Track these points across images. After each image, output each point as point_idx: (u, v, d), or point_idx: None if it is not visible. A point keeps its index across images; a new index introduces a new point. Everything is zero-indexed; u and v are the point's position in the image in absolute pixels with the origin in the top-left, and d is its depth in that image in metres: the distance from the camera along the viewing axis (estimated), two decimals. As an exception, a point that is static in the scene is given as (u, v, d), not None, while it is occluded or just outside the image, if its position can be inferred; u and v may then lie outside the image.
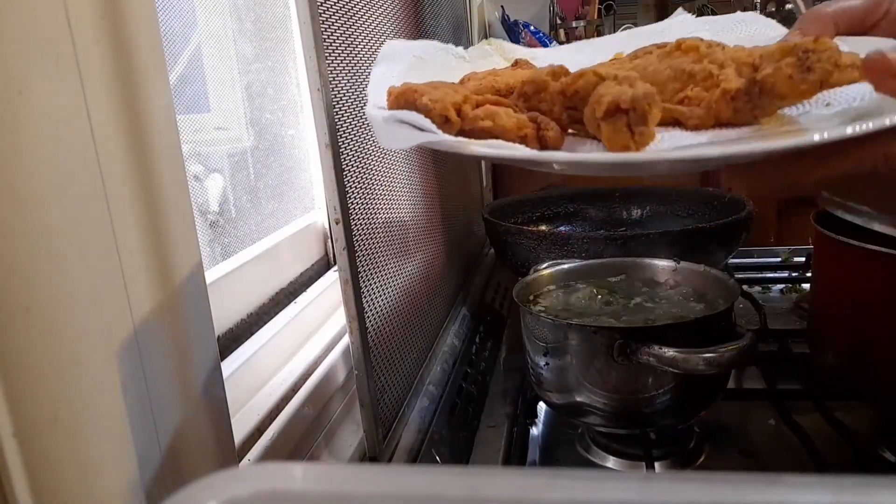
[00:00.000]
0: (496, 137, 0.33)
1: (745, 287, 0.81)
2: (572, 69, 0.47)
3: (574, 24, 1.48)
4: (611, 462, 0.54)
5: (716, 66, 0.34)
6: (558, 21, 1.48)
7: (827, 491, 0.19)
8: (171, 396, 0.34)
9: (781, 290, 0.85)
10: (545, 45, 1.31)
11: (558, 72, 0.44)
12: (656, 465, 0.51)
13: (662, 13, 1.72)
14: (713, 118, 0.33)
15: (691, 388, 0.50)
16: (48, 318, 0.27)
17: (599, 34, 1.53)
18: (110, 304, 0.30)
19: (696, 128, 0.33)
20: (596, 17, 1.54)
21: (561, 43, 1.40)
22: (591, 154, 0.32)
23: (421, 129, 0.32)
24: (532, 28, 1.33)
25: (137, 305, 0.32)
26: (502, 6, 1.33)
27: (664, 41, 0.43)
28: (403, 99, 0.34)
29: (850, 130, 0.27)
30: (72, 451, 0.28)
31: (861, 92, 0.32)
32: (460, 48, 0.51)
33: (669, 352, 0.45)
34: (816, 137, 0.27)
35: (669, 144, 0.32)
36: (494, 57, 0.52)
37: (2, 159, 0.25)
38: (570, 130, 0.35)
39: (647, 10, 1.72)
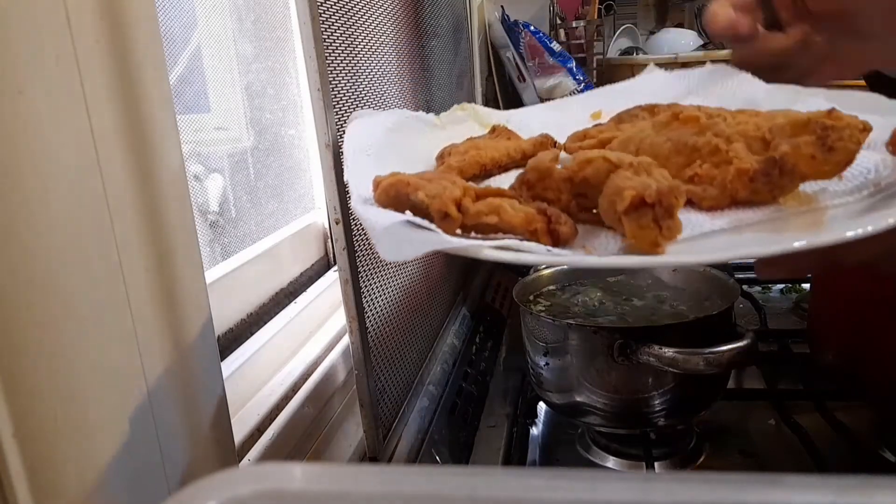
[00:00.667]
0: (502, 232, 0.31)
1: (745, 287, 0.81)
2: (552, 132, 0.47)
3: (574, 25, 1.48)
4: (611, 462, 0.54)
5: (722, 139, 0.33)
6: (558, 21, 1.48)
7: (827, 491, 0.19)
8: (171, 396, 0.34)
9: (781, 290, 0.85)
10: (545, 45, 1.31)
11: (546, 142, 0.43)
12: (656, 465, 0.51)
13: (662, 13, 1.72)
14: (729, 198, 0.31)
15: (691, 388, 0.50)
16: (48, 319, 0.27)
17: (600, 34, 1.53)
18: (110, 305, 0.30)
19: (711, 209, 0.32)
20: (596, 17, 1.54)
21: (561, 43, 1.40)
22: (622, 258, 0.29)
23: (423, 228, 0.30)
24: (532, 28, 1.33)
25: (137, 305, 0.31)
26: (502, 6, 1.33)
27: (642, 100, 0.43)
28: (394, 191, 0.32)
29: (892, 221, 0.26)
30: (71, 452, 0.28)
31: (874, 162, 0.31)
32: (431, 115, 0.50)
33: (669, 352, 0.45)
34: (851, 234, 0.26)
35: (690, 232, 0.30)
36: (468, 122, 0.52)
37: (1, 159, 0.25)
38: (580, 217, 0.33)
39: (648, 10, 1.72)
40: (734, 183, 0.31)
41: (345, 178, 0.36)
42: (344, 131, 0.45)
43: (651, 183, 0.28)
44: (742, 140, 0.32)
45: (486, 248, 0.29)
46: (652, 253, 0.28)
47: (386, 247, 0.30)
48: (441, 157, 0.42)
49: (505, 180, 0.42)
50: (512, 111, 0.56)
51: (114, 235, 0.30)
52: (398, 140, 0.43)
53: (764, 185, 0.31)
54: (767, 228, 0.30)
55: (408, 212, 0.32)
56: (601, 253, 0.30)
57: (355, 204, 0.34)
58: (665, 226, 0.28)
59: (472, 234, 0.32)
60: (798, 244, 0.26)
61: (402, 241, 0.30)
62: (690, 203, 0.32)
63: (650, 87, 0.49)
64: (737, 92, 0.47)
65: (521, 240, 0.30)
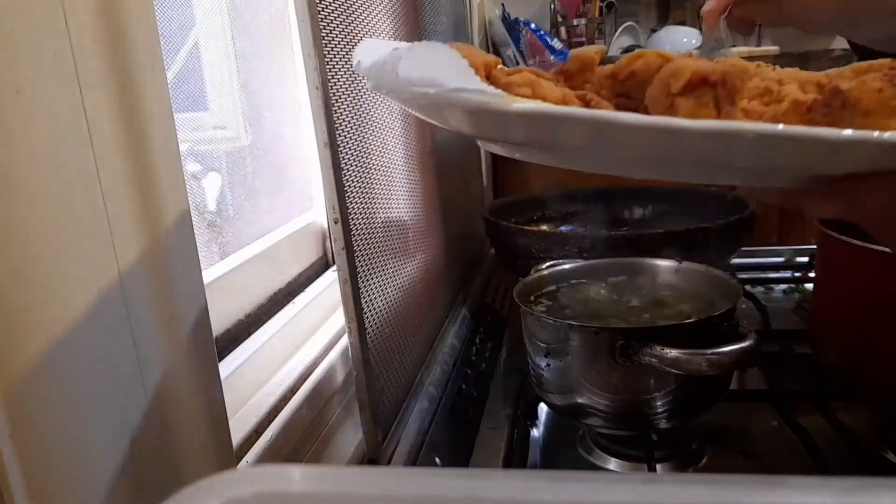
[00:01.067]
0: None
1: (747, 287, 0.81)
2: None
3: (575, 22, 1.48)
4: (612, 464, 0.53)
5: (773, 81, 0.29)
6: (559, 19, 1.48)
7: (829, 492, 0.19)
8: (170, 398, 0.34)
9: (784, 291, 0.85)
10: (546, 44, 1.31)
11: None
12: (658, 466, 0.51)
13: (664, 11, 1.72)
14: None
15: (693, 389, 0.50)
16: (45, 319, 0.27)
17: (601, 32, 1.53)
18: (108, 304, 0.30)
19: None
20: (597, 14, 1.54)
21: (562, 41, 1.40)
22: (678, 120, 0.24)
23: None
24: (532, 26, 1.33)
25: (135, 306, 0.31)
26: (503, 4, 1.33)
27: None
28: None
29: None
30: (69, 453, 0.27)
31: None
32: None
33: (672, 353, 0.45)
34: None
35: None
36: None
37: (-3, 158, 0.25)
38: None
39: (649, 8, 1.72)
40: (788, 115, 0.28)
41: (362, 69, 0.33)
42: (343, 130, 0.45)
43: (714, 64, 0.25)
44: (795, 83, 0.29)
45: (518, 103, 0.24)
46: None
47: (409, 63, 0.26)
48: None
49: None
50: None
51: (111, 235, 0.30)
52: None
53: (822, 118, 0.27)
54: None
55: None
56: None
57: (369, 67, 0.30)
58: (724, 111, 0.25)
59: None
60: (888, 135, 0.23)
61: (432, 63, 0.26)
62: None
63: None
64: None
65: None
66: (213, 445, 0.38)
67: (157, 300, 0.33)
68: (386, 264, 0.53)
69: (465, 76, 0.25)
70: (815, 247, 0.61)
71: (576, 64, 0.30)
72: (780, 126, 0.24)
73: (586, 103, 0.27)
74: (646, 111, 0.28)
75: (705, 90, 0.25)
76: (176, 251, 0.35)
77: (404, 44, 0.43)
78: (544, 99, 0.26)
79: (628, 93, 0.29)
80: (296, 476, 0.23)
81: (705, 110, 0.25)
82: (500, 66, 0.29)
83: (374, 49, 0.36)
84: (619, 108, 0.29)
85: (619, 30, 1.56)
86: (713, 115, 0.25)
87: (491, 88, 0.25)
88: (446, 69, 0.25)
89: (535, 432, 0.59)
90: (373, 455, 0.47)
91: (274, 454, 0.47)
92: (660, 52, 0.28)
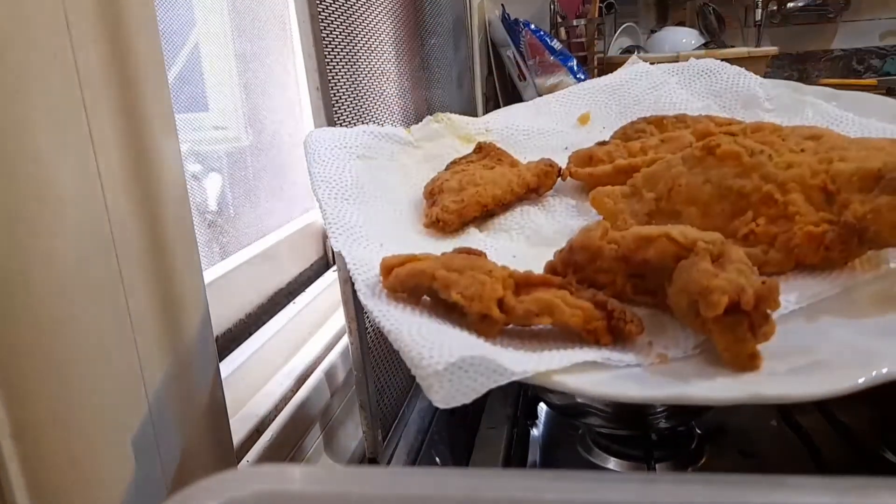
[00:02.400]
0: (556, 334, 0.27)
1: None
2: (534, 137, 0.43)
3: (575, 23, 1.48)
4: (612, 463, 0.53)
5: (774, 186, 0.29)
6: (559, 19, 1.48)
7: (828, 492, 0.19)
8: (170, 397, 0.34)
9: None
10: (546, 44, 1.31)
11: (550, 170, 0.38)
12: (657, 466, 0.51)
13: (663, 12, 1.72)
14: (793, 262, 0.28)
15: (692, 388, 0.50)
16: (46, 319, 0.26)
17: (601, 33, 1.52)
18: (108, 305, 0.30)
19: (773, 274, 0.28)
20: (597, 15, 1.54)
21: (562, 42, 1.40)
22: (728, 392, 0.24)
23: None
24: (532, 27, 1.32)
25: (136, 305, 0.31)
26: (503, 5, 1.33)
27: (630, 99, 0.40)
28: (413, 283, 0.28)
29: None
30: (69, 452, 0.27)
31: None
32: (401, 129, 0.47)
33: (671, 352, 0.45)
34: None
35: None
36: (446, 138, 0.48)
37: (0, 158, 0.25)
38: (636, 301, 0.29)
39: (648, 8, 1.72)
40: (802, 248, 0.28)
41: (333, 246, 0.33)
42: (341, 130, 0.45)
43: (743, 283, 0.24)
44: (799, 189, 0.29)
45: (557, 376, 0.24)
46: (750, 368, 0.24)
47: (441, 395, 0.26)
48: (431, 194, 0.38)
49: (509, 218, 0.38)
50: (490, 117, 0.53)
51: (112, 235, 0.30)
52: (373, 172, 0.39)
53: (840, 254, 0.27)
54: (844, 306, 0.27)
55: (424, 297, 0.29)
56: (675, 353, 0.26)
57: (365, 299, 0.30)
58: (761, 333, 0.24)
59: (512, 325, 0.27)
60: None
61: (459, 385, 0.25)
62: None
63: (637, 84, 0.47)
64: (734, 87, 0.45)
65: (579, 346, 0.26)
66: (214, 445, 0.38)
67: (157, 300, 0.33)
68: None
69: (501, 370, 0.25)
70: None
71: (583, 255, 0.29)
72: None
73: (608, 314, 0.27)
74: (664, 297, 0.27)
75: (741, 319, 0.24)
76: (177, 251, 0.35)
77: (357, 136, 0.40)
78: (565, 326, 0.26)
79: (643, 273, 0.28)
80: (296, 476, 0.23)
81: (743, 344, 0.24)
82: (511, 288, 0.28)
83: (332, 163, 0.36)
84: (634, 289, 0.29)
85: (619, 30, 1.56)
86: (752, 347, 0.24)
87: (525, 371, 0.25)
88: (479, 378, 0.25)
89: (535, 432, 0.59)
90: (373, 455, 0.47)
91: (274, 454, 0.47)
92: (669, 235, 0.27)
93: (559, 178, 0.43)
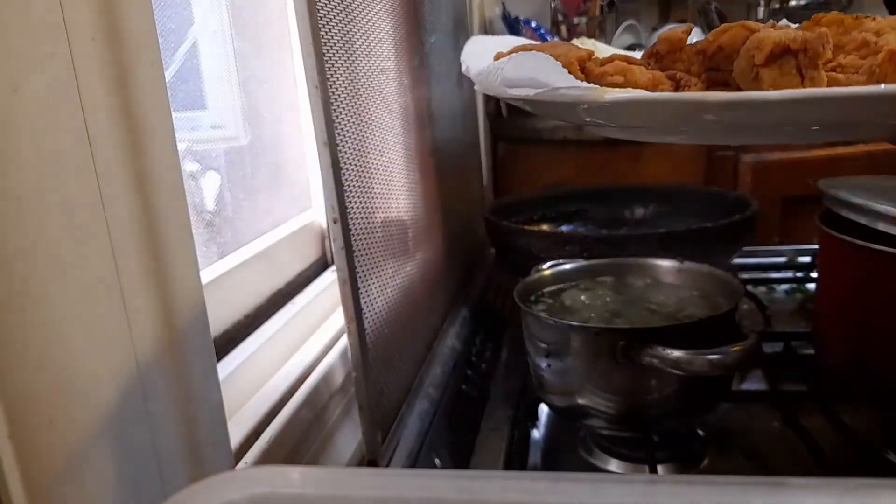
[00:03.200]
0: None
1: (749, 287, 0.80)
2: None
3: (576, 21, 1.48)
4: (613, 465, 0.53)
5: (870, 33, 0.30)
6: (560, 17, 1.48)
7: (831, 494, 0.19)
8: (167, 398, 0.34)
9: (786, 291, 0.85)
10: (547, 42, 1.31)
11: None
12: (659, 468, 0.50)
13: (665, 9, 1.72)
14: (876, 84, 0.28)
15: (695, 389, 0.50)
16: (43, 320, 0.27)
17: (602, 30, 1.52)
18: (106, 306, 0.30)
19: None
20: (598, 13, 1.53)
21: (563, 40, 1.40)
22: (767, 93, 0.26)
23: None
24: (533, 24, 1.32)
25: (133, 306, 0.31)
26: (503, 2, 1.33)
27: None
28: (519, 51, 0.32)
29: None
30: (67, 454, 0.27)
31: None
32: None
33: (673, 353, 0.45)
34: None
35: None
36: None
37: (-8, 156, 0.25)
38: None
39: (650, 6, 1.71)
40: (884, 66, 0.28)
41: (471, 74, 0.37)
42: (342, 129, 0.45)
43: (793, 33, 0.26)
44: (892, 31, 0.29)
45: (610, 93, 0.27)
46: None
47: (510, 71, 0.29)
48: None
49: None
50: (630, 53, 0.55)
51: (109, 235, 0.30)
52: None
53: None
54: None
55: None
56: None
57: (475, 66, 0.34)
58: (809, 76, 0.26)
59: None
60: None
61: (530, 68, 0.28)
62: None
63: None
64: None
65: None
66: (212, 447, 0.38)
67: (155, 300, 0.33)
68: (385, 264, 0.53)
69: (559, 75, 0.28)
70: (817, 247, 0.61)
71: (665, 45, 0.31)
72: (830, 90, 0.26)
73: (676, 82, 0.29)
74: (735, 83, 0.29)
75: (788, 58, 0.26)
76: (174, 251, 0.34)
77: (509, 38, 0.44)
78: (635, 84, 0.28)
79: (718, 66, 0.30)
80: (294, 477, 0.23)
81: (788, 78, 0.26)
82: (593, 57, 0.31)
83: (478, 50, 0.40)
84: (709, 81, 0.30)
85: (620, 28, 1.55)
86: (797, 83, 0.26)
87: (584, 84, 0.28)
88: (543, 71, 0.29)
89: (536, 433, 0.59)
90: (372, 456, 0.46)
91: (273, 455, 0.47)
92: (745, 24, 0.29)
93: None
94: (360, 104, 0.49)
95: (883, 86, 0.25)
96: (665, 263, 0.61)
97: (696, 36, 0.44)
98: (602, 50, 0.51)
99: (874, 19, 0.32)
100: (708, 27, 1.67)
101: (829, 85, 0.29)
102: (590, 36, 1.47)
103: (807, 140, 0.33)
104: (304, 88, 0.40)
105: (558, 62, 0.29)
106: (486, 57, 0.38)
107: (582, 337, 0.49)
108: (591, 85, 0.28)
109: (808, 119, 0.28)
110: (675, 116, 0.29)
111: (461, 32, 0.91)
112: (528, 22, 1.33)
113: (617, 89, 0.28)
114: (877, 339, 0.50)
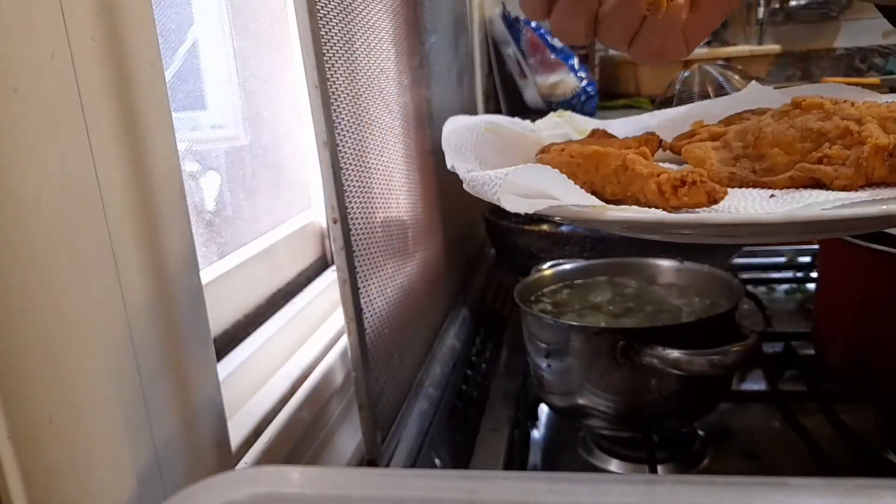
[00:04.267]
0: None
1: (749, 287, 0.80)
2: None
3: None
4: (613, 465, 0.53)
5: (852, 121, 0.31)
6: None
7: (831, 494, 0.19)
8: (167, 398, 0.34)
9: (786, 291, 0.85)
10: (546, 42, 1.31)
11: (652, 139, 0.43)
12: (659, 468, 0.51)
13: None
14: (863, 178, 0.30)
15: (695, 389, 0.50)
16: (43, 320, 0.26)
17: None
18: (105, 305, 0.30)
19: (844, 189, 0.30)
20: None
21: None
22: (769, 216, 0.27)
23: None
24: (533, 24, 1.32)
25: (133, 306, 0.31)
26: (503, 3, 1.33)
27: (746, 108, 0.42)
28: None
29: None
30: (67, 454, 0.27)
31: None
32: (527, 122, 0.51)
33: (673, 353, 0.45)
34: None
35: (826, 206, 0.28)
36: (564, 129, 0.51)
37: (-8, 157, 0.25)
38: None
39: (649, 8, 1.71)
40: (870, 160, 0.29)
41: (449, 165, 0.38)
42: (342, 129, 0.45)
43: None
44: (874, 121, 0.31)
45: (611, 212, 0.29)
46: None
47: (517, 177, 0.30)
48: (542, 152, 0.41)
49: None
50: (608, 121, 0.55)
51: (109, 235, 0.30)
52: (494, 140, 0.44)
53: None
54: None
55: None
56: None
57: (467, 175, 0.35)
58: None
59: None
60: None
61: (537, 178, 0.29)
62: (821, 185, 0.30)
63: (754, 100, 0.48)
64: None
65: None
66: (212, 446, 0.38)
67: (155, 300, 0.33)
68: (385, 264, 0.53)
69: (566, 189, 0.30)
70: (817, 247, 0.61)
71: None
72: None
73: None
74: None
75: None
76: (174, 251, 0.34)
77: (487, 118, 0.46)
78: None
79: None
80: (294, 477, 0.23)
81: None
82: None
83: (456, 140, 0.42)
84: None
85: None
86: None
87: (585, 201, 0.29)
88: (549, 183, 0.30)
89: (536, 433, 0.59)
90: (372, 456, 0.46)
91: (273, 455, 0.47)
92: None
93: (660, 148, 0.45)
94: (359, 104, 0.49)
95: (884, 206, 0.27)
96: (665, 263, 0.61)
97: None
98: (579, 121, 0.52)
99: (853, 104, 0.33)
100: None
101: (819, 177, 0.30)
102: (588, 37, 1.47)
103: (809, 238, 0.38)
104: (304, 88, 0.40)
105: (562, 175, 0.30)
106: (466, 147, 0.40)
107: (582, 337, 0.50)
108: (592, 203, 0.29)
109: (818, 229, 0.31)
110: (675, 232, 0.31)
111: (461, 32, 0.91)
112: (528, 22, 1.33)
113: (619, 209, 0.29)
114: (876, 339, 0.51)
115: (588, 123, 0.52)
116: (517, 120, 0.49)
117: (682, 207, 0.29)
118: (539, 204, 0.29)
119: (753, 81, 0.52)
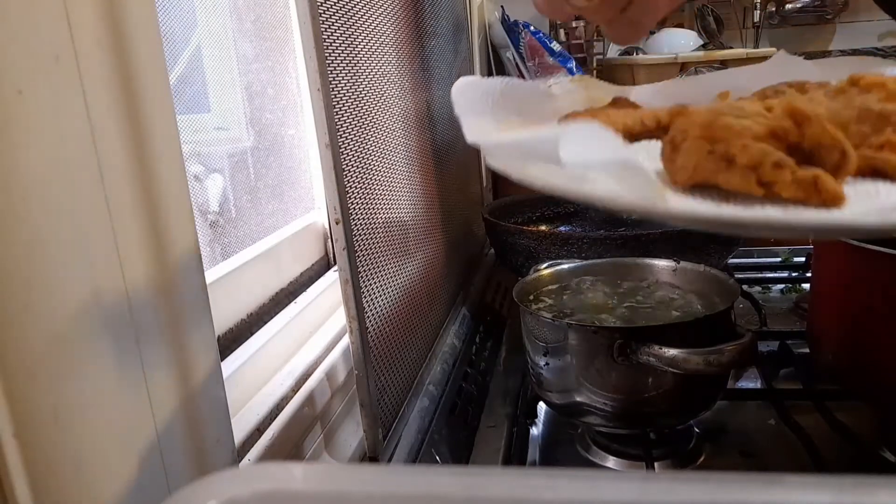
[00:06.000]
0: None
1: (744, 287, 0.81)
2: (672, 102, 0.43)
3: (574, 24, 1.48)
4: (611, 462, 0.53)
5: None
6: (558, 21, 1.48)
7: (826, 491, 0.19)
8: (171, 396, 0.34)
9: (781, 290, 0.85)
10: (545, 45, 1.31)
11: (683, 111, 0.36)
12: (656, 465, 0.51)
13: (662, 13, 1.72)
14: None
15: (691, 388, 0.50)
16: (47, 318, 0.26)
17: (599, 34, 1.53)
18: (110, 305, 0.30)
19: None
20: (596, 17, 1.53)
21: (561, 43, 1.40)
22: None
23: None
24: (532, 28, 1.33)
25: (138, 305, 0.31)
26: (502, 6, 1.33)
27: (773, 82, 0.39)
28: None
29: None
30: (72, 452, 0.27)
31: None
32: (539, 81, 0.48)
33: (670, 352, 0.45)
34: None
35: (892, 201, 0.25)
36: (584, 93, 0.49)
37: (1, 159, 0.25)
38: None
39: (648, 10, 1.72)
40: None
41: (468, 139, 0.33)
42: (344, 131, 0.46)
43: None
44: None
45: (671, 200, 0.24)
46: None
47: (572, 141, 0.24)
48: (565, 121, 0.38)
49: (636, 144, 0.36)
50: (630, 87, 0.53)
51: (114, 236, 0.30)
52: (512, 102, 0.40)
53: None
54: None
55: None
56: None
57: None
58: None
59: None
60: None
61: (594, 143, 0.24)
62: (882, 174, 0.27)
63: (778, 70, 0.45)
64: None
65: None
66: (215, 444, 0.38)
67: (160, 300, 0.33)
68: (387, 264, 0.53)
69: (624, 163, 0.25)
70: (811, 247, 0.61)
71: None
72: None
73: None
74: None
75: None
76: (179, 251, 0.35)
77: (501, 80, 0.41)
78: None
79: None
80: (297, 474, 0.23)
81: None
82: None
83: (475, 91, 0.37)
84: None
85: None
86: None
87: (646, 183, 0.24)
88: (607, 149, 0.25)
89: (535, 430, 0.59)
90: (373, 453, 0.47)
91: (275, 453, 0.47)
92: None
93: None
94: (361, 106, 0.50)
95: None
96: (661, 263, 0.61)
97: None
98: (593, 83, 0.50)
99: None
100: (705, 30, 1.67)
101: (879, 166, 0.27)
102: (587, 39, 1.47)
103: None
104: (306, 91, 0.41)
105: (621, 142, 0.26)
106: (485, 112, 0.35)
107: (580, 335, 0.50)
108: (652, 183, 0.25)
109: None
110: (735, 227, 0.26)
111: (461, 36, 0.91)
112: (526, 25, 1.33)
113: (678, 198, 0.25)
114: (871, 337, 0.51)
115: (610, 89, 0.50)
116: (531, 81, 0.46)
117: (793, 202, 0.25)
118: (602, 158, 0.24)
119: (782, 50, 0.49)
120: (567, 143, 0.24)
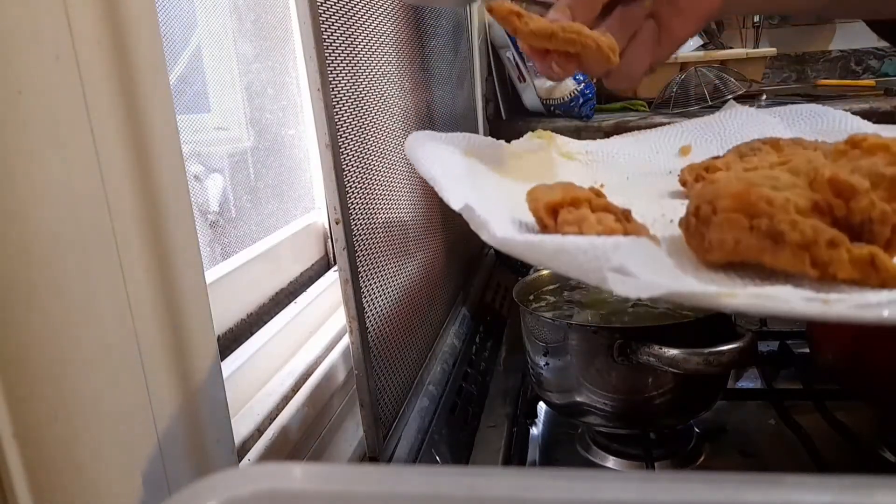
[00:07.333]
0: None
1: (745, 287, 0.81)
2: (636, 159, 0.42)
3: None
4: (611, 462, 0.54)
5: None
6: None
7: (827, 491, 0.19)
8: (171, 396, 0.34)
9: (781, 291, 0.85)
10: (545, 46, 1.31)
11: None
12: (656, 465, 0.51)
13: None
14: None
15: (691, 388, 0.50)
16: (48, 319, 0.26)
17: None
18: (110, 305, 0.30)
19: None
20: (596, 17, 1.53)
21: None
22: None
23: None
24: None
25: (137, 305, 0.31)
26: (502, 6, 1.33)
27: (731, 135, 0.38)
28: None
29: None
30: (71, 452, 0.28)
31: None
32: (501, 141, 0.47)
33: (669, 352, 0.45)
34: None
35: None
36: (549, 151, 0.48)
37: (1, 160, 0.25)
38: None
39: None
40: None
41: (457, 207, 0.31)
42: (344, 131, 0.46)
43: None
44: None
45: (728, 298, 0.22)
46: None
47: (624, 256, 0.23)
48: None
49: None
50: (591, 142, 0.52)
51: (114, 236, 0.30)
52: (482, 168, 0.39)
53: None
54: None
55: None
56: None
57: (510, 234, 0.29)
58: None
59: None
60: None
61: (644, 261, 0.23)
62: None
63: (737, 121, 0.45)
64: (840, 127, 0.43)
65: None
66: (215, 444, 0.38)
67: (159, 299, 0.33)
68: (387, 264, 0.53)
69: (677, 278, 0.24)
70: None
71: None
72: None
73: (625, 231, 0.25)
74: None
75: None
76: (178, 251, 0.35)
77: (458, 140, 0.41)
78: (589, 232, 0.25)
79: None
80: (297, 474, 0.23)
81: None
82: (568, 200, 0.27)
83: (441, 154, 0.35)
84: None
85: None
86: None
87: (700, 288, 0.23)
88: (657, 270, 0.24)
89: (535, 430, 0.59)
90: (373, 453, 0.47)
91: (275, 453, 0.48)
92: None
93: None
94: (361, 106, 0.50)
95: None
96: (662, 263, 0.61)
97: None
98: (562, 142, 0.49)
99: None
100: (704, 31, 1.67)
101: None
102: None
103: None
104: (306, 91, 0.41)
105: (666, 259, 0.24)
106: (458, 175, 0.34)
107: (580, 335, 0.50)
108: (716, 290, 0.23)
109: None
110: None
111: (461, 36, 0.92)
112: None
113: (746, 295, 0.22)
114: (871, 337, 0.51)
115: (570, 145, 0.50)
116: (489, 140, 0.46)
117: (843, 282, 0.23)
118: (656, 288, 0.23)
119: (731, 100, 0.50)
120: (617, 283, 0.23)
